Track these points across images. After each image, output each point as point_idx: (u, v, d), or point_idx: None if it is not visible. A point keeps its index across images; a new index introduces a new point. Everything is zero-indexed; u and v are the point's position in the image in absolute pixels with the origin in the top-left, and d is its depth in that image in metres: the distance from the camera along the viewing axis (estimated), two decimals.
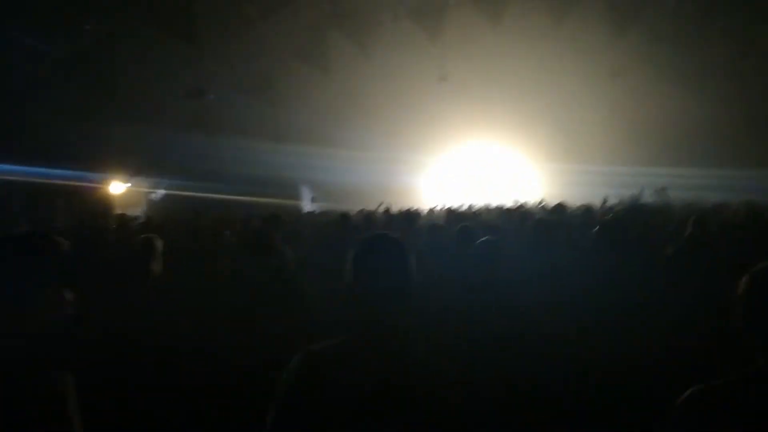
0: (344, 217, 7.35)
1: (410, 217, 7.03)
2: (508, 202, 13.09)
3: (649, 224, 5.09)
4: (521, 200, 12.99)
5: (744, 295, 1.56)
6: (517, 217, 7.01)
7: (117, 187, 17.78)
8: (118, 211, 14.68)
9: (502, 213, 8.79)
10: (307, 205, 18.95)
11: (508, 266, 3.33)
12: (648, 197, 8.72)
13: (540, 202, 11.19)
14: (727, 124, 17.56)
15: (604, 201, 9.07)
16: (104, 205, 16.53)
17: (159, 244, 3.93)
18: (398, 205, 12.96)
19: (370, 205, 12.25)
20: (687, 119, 18.00)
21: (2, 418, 1.46)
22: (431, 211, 12.84)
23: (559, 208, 8.07)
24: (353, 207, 14.05)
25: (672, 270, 3.42)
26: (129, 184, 18.23)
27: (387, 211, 6.35)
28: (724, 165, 16.04)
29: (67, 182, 15.31)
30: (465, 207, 12.36)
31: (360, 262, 1.85)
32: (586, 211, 7.05)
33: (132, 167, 17.71)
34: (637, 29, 17.94)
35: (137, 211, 16.85)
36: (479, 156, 22.61)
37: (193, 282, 4.77)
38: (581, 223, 5.93)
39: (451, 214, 7.17)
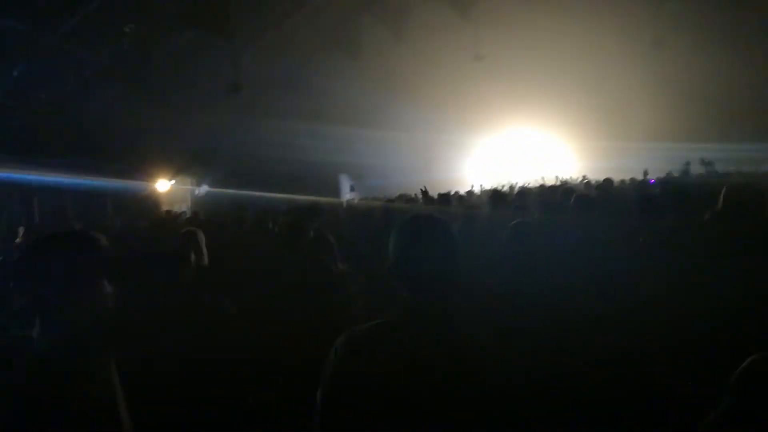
0: (388, 203, 7.32)
1: (445, 199, 6.97)
2: (550, 180, 12.87)
3: (692, 197, 4.91)
4: (563, 178, 12.77)
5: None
6: (560, 194, 6.87)
7: (162, 186, 18.27)
8: (165, 208, 15.12)
9: (545, 191, 8.64)
10: (346, 195, 19.05)
11: (551, 245, 3.28)
12: (693, 171, 8.46)
13: (583, 179, 10.97)
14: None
15: (645, 173, 8.85)
16: (152, 203, 17.05)
17: (201, 236, 4.03)
18: (438, 188, 12.88)
19: (411, 191, 12.22)
20: (734, 89, 17.24)
21: (50, 409, 1.52)
22: (470, 193, 12.72)
23: (606, 183, 7.90)
24: (393, 193, 14.11)
25: (704, 242, 3.29)
26: (173, 182, 18.71)
27: (426, 193, 6.28)
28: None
29: (115, 182, 15.82)
30: (506, 187, 12.21)
31: (403, 243, 1.79)
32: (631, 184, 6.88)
33: (176, 166, 18.17)
34: None
35: (183, 207, 17.32)
36: (519, 135, 22.27)
37: (236, 272, 4.90)
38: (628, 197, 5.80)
39: (493, 196, 7.07)
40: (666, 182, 6.86)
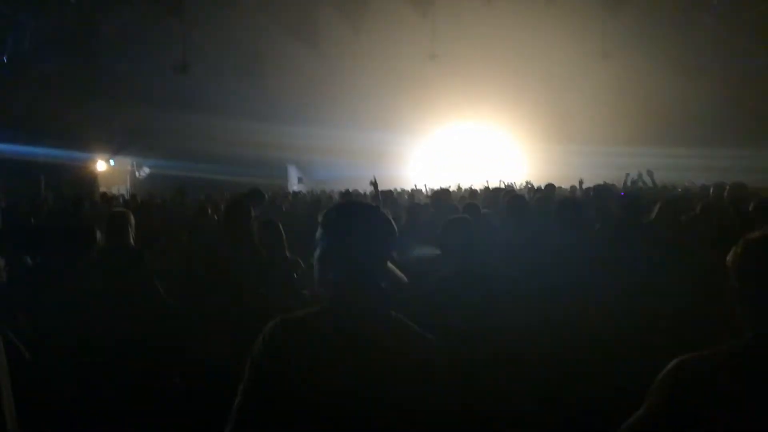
0: (346, 194, 7.23)
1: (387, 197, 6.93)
2: (496, 182, 13.07)
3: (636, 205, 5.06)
4: (508, 181, 12.98)
5: (736, 267, 1.54)
6: (502, 197, 6.96)
7: (100, 165, 17.59)
8: (102, 189, 14.55)
9: (489, 193, 8.74)
10: (294, 185, 18.85)
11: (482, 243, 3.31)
12: (637, 179, 8.72)
13: (526, 183, 11.18)
14: (717, 105, 17.59)
15: (580, 182, 9.07)
16: (88, 183, 16.36)
17: (130, 218, 3.86)
18: (388, 184, 12.87)
19: (360, 185, 12.16)
20: (677, 100, 18.03)
21: None
22: (417, 191, 12.78)
23: (548, 189, 8.03)
24: (341, 187, 14.02)
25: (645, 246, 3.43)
26: (113, 163, 18.04)
27: (375, 185, 6.21)
28: (713, 146, 16.11)
29: (50, 159, 15.12)
30: (453, 188, 12.33)
31: (334, 230, 1.71)
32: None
33: (116, 145, 17.50)
34: (628, 10, 17.84)
35: (121, 189, 16.71)
36: (469, 135, 22.52)
37: (171, 261, 4.72)
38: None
39: (437, 195, 7.09)
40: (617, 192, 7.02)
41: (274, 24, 17.70)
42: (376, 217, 1.73)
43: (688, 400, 1.49)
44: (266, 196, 5.75)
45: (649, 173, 8.48)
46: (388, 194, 7.21)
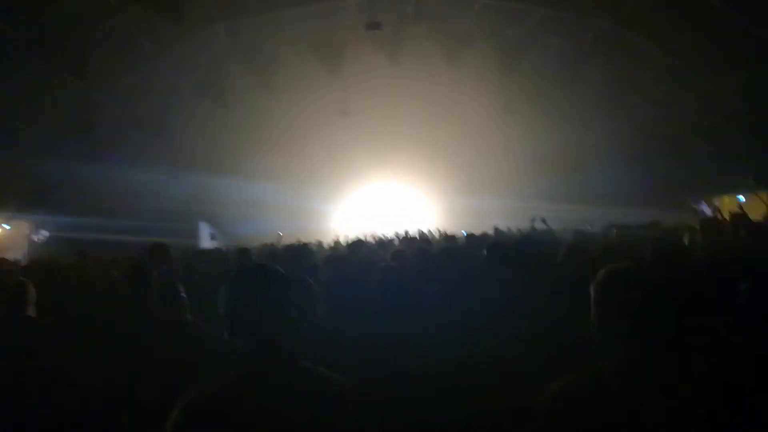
0: (243, 252, 7.10)
1: (302, 251, 6.89)
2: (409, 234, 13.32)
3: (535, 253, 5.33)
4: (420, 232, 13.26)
5: (595, 298, 1.72)
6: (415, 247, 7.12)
7: None
8: None
9: (402, 242, 8.91)
10: (206, 243, 18.33)
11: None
12: (535, 227, 9.21)
13: (441, 233, 11.48)
14: (603, 154, 19.02)
15: (495, 230, 9.47)
16: None
17: (32, 289, 3.65)
18: (307, 237, 12.81)
19: (273, 240, 12.01)
20: (574, 152, 19.35)
21: None
22: (337, 242, 12.80)
23: (450, 238, 8.35)
24: (256, 243, 13.78)
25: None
26: (8, 226, 16.90)
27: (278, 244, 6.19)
28: (603, 191, 17.27)
29: None
30: (369, 238, 12.42)
31: (235, 295, 1.69)
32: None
33: (12, 207, 16.45)
34: (526, 68, 19.15)
35: (18, 254, 15.61)
36: (381, 190, 22.95)
37: (73, 325, 4.45)
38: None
39: (355, 245, 7.15)
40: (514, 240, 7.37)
41: (183, 82, 17.57)
42: (279, 283, 1.72)
43: (564, 420, 1.63)
44: (170, 252, 5.50)
45: (542, 219, 8.98)
46: (303, 248, 7.16)
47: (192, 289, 4.23)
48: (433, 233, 11.97)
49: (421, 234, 10.51)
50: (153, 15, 12.77)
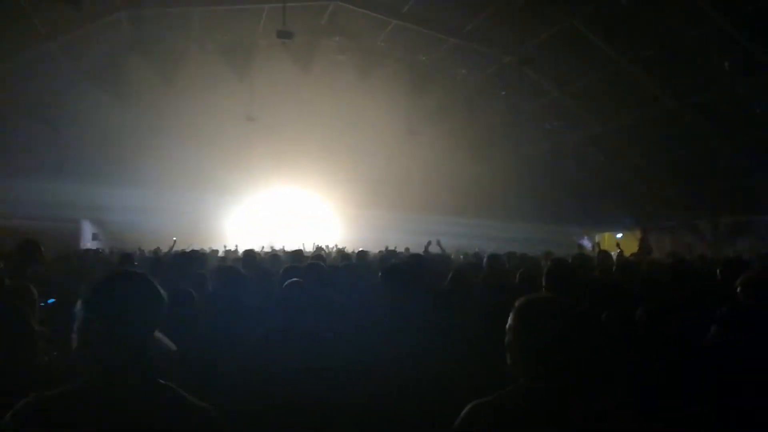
0: (125, 257, 6.75)
1: (191, 259, 6.62)
2: (309, 246, 13.23)
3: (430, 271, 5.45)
4: (320, 244, 13.23)
5: (512, 324, 1.87)
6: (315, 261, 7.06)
7: None
8: None
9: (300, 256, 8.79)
10: (87, 242, 17.20)
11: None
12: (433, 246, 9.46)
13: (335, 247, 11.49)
14: (498, 183, 20.03)
15: (386, 248, 9.59)
16: None
17: None
18: (202, 244, 12.36)
19: (163, 245, 11.51)
20: (468, 176, 20.22)
21: None
22: (230, 251, 12.46)
23: (361, 254, 8.38)
24: (145, 247, 13.11)
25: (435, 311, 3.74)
26: None
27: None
28: (497, 218, 18.15)
29: None
30: (264, 249, 12.21)
31: (95, 302, 1.64)
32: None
33: None
34: (431, 93, 19.76)
35: None
36: (285, 198, 22.63)
37: None
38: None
39: (248, 257, 6.95)
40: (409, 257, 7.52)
41: (77, 69, 16.48)
42: (142, 290, 1.68)
43: None
44: (42, 250, 5.05)
45: (438, 242, 9.26)
46: (191, 256, 6.88)
47: (64, 291, 3.94)
48: (329, 248, 11.98)
49: (318, 249, 10.46)
50: None
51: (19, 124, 15.99)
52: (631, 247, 10.91)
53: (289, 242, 14.82)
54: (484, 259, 7.19)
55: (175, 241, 9.91)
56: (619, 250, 9.26)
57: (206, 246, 13.26)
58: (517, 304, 1.90)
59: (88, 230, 18.11)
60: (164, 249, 10.92)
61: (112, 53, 16.87)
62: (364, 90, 19.23)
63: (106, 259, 8.95)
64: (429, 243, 9.46)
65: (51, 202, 15.20)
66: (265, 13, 16.09)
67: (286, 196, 22.58)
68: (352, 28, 18.01)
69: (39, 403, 1.53)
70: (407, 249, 10.56)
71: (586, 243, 17.87)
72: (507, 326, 1.88)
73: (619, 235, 16.78)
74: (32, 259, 4.67)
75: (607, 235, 19.10)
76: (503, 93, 19.02)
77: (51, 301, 4.08)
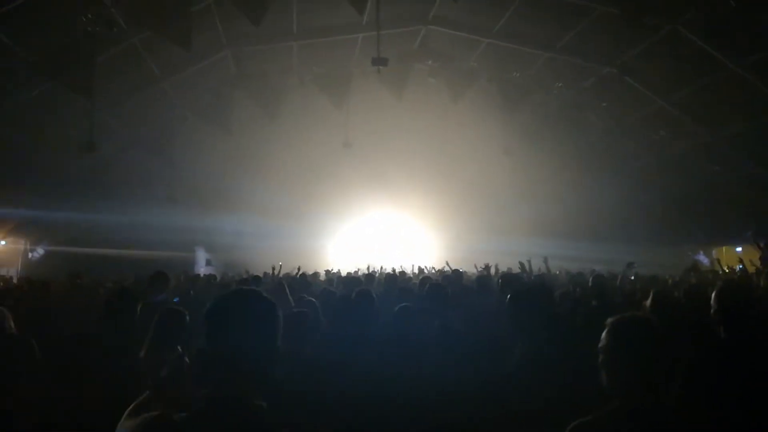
0: (256, 279, 7.03)
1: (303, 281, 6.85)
2: (410, 267, 13.32)
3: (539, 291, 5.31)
4: (421, 266, 13.25)
5: (604, 346, 1.86)
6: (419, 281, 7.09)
7: None
8: None
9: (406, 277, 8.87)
10: (201, 268, 18.24)
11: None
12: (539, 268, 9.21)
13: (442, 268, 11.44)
14: (604, 200, 19.10)
15: (486, 266, 9.36)
16: None
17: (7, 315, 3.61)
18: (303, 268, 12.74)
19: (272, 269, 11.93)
20: (568, 198, 19.47)
21: None
22: (329, 273, 12.76)
23: (456, 273, 8.28)
24: (254, 271, 13.71)
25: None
26: (3, 242, 16.83)
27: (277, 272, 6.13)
28: (607, 240, 17.26)
29: None
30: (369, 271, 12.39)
31: (214, 321, 1.60)
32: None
33: (10, 224, 16.40)
34: (526, 110, 19.37)
35: (10, 271, 15.53)
36: (381, 221, 22.97)
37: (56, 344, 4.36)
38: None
39: (348, 280, 7.11)
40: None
41: (188, 106, 17.69)
42: (257, 309, 1.63)
43: None
44: (171, 279, 5.48)
45: (545, 260, 8.97)
46: (301, 279, 7.13)
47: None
48: (430, 269, 11.94)
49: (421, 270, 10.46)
50: (163, 40, 12.93)
51: (136, 159, 17.33)
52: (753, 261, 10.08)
53: (388, 264, 14.99)
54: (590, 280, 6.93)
55: (281, 265, 10.28)
56: (741, 266, 8.59)
57: (309, 269, 13.67)
58: (609, 323, 1.90)
59: (202, 257, 19.22)
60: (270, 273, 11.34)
61: (218, 89, 17.95)
62: (458, 111, 19.20)
63: (220, 284, 9.42)
64: (529, 262, 9.15)
65: (167, 231, 16.33)
66: (360, 42, 16.57)
67: (384, 219, 22.91)
68: (444, 50, 18.12)
69: (170, 425, 1.52)
70: (510, 269, 10.31)
71: (703, 259, 16.72)
72: (600, 346, 1.89)
73: (739, 249, 15.57)
74: (162, 288, 5.03)
75: (725, 249, 17.78)
76: (604, 105, 18.36)
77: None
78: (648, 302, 4.24)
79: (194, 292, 7.56)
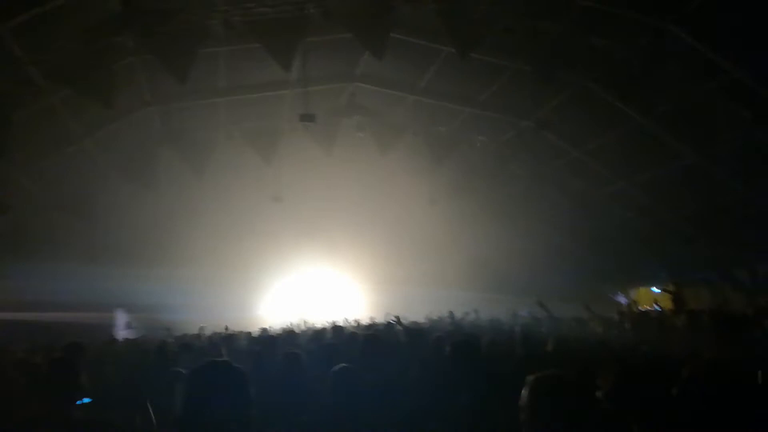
0: (162, 346, 6.81)
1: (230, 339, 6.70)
2: (339, 320, 13.22)
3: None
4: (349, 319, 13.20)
5: (526, 402, 1.87)
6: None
7: None
8: None
9: (334, 330, 8.79)
10: (121, 331, 17.38)
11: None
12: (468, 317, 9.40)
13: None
14: (528, 254, 19.76)
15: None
16: None
17: None
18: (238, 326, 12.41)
19: (194, 329, 11.58)
20: (494, 246, 20.06)
21: None
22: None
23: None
24: (177, 331, 13.21)
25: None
26: None
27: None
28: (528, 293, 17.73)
29: None
30: (296, 326, 12.21)
31: (193, 393, 1.68)
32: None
33: None
34: (451, 163, 20.01)
35: None
36: (311, 276, 22.80)
37: None
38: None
39: (268, 337, 6.99)
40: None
41: (112, 166, 17.18)
42: (235, 378, 1.74)
43: None
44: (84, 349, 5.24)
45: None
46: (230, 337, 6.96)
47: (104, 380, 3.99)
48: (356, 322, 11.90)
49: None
50: (83, 98, 12.62)
51: (54, 219, 16.52)
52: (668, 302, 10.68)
53: (319, 318, 14.83)
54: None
55: (203, 327, 9.99)
56: (656, 306, 9.07)
57: (239, 328, 13.29)
58: (529, 381, 1.88)
59: (122, 319, 18.35)
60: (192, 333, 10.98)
61: (143, 145, 17.58)
62: (385, 164, 19.58)
63: (142, 348, 9.04)
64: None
65: (86, 293, 15.52)
66: (288, 98, 16.76)
67: (314, 272, 22.75)
68: (371, 106, 18.59)
69: None
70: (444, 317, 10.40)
71: (621, 299, 17.49)
72: (521, 404, 1.87)
73: (656, 290, 16.43)
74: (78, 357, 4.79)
75: (643, 290, 18.70)
76: (523, 156, 19.21)
77: (86, 400, 4.13)
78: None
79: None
